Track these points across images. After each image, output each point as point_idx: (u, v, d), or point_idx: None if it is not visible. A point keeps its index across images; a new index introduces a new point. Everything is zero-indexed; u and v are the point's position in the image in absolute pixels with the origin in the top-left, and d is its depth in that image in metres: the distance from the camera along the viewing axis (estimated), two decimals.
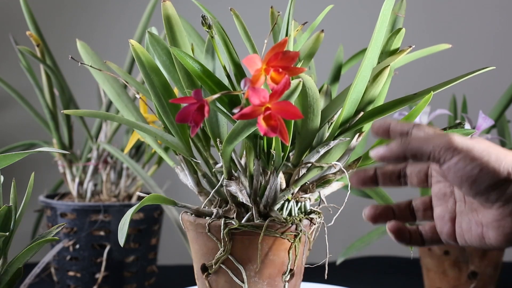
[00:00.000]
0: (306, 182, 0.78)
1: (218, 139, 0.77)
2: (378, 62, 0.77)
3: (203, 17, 0.72)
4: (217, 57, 0.77)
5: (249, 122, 0.68)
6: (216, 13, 0.80)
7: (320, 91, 0.82)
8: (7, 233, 0.73)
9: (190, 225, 0.78)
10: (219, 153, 0.75)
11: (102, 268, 1.14)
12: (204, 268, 0.78)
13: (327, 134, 0.79)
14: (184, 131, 0.78)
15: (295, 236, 0.76)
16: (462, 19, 1.57)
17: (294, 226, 0.76)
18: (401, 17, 0.80)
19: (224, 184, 0.77)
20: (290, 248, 0.76)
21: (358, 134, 0.78)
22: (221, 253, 0.75)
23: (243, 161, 0.78)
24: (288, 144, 0.67)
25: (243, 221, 0.76)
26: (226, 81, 0.75)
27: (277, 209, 0.77)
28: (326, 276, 0.80)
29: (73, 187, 1.20)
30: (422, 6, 1.56)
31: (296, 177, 0.78)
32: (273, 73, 0.63)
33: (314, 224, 0.78)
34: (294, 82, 0.66)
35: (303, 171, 0.78)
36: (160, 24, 0.81)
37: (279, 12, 0.82)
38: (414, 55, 0.83)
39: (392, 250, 1.54)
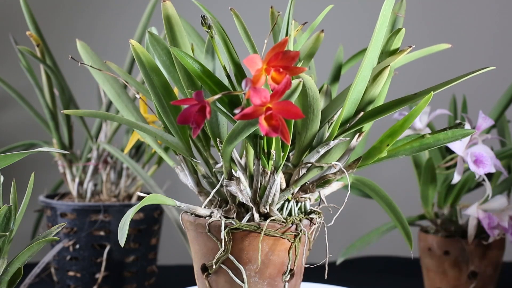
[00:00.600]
0: (306, 182, 0.78)
1: (218, 139, 0.77)
2: (378, 62, 0.77)
3: (203, 17, 0.72)
4: (217, 57, 0.77)
5: (249, 122, 0.68)
6: (216, 13, 0.80)
7: (320, 91, 0.82)
8: (7, 233, 0.73)
9: (190, 225, 0.78)
10: (219, 153, 0.75)
11: (102, 268, 1.14)
12: (204, 268, 0.78)
13: (327, 134, 0.79)
14: (184, 131, 0.78)
15: (295, 236, 0.76)
16: (462, 19, 1.57)
17: (294, 226, 0.76)
18: (401, 17, 0.80)
19: (224, 184, 0.77)
20: (290, 248, 0.76)
21: (358, 134, 0.78)
22: (221, 253, 0.75)
23: (243, 161, 0.78)
24: (289, 144, 0.67)
25: (243, 221, 0.76)
26: (226, 81, 0.75)
27: (277, 209, 0.77)
28: (326, 276, 0.80)
29: (73, 187, 1.20)
30: (422, 6, 1.56)
31: (296, 177, 0.78)
32: (273, 73, 0.63)
33: (314, 224, 0.78)
34: (294, 82, 0.66)
35: (303, 171, 0.78)
36: (160, 24, 0.81)
37: (279, 12, 0.82)
38: (414, 55, 0.83)
39: (392, 250, 1.54)
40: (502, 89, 1.25)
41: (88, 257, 1.15)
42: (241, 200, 0.77)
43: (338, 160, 0.79)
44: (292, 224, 0.76)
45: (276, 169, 0.74)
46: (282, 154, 0.73)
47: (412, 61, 0.84)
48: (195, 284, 0.82)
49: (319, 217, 0.79)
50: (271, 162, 0.74)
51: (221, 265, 0.76)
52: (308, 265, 0.80)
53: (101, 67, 0.89)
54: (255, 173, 0.75)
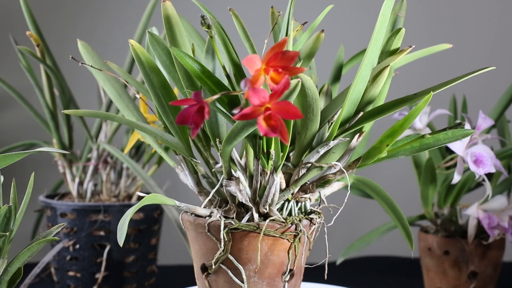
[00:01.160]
0: (306, 182, 0.78)
1: (217, 139, 0.77)
2: (378, 62, 0.77)
3: (202, 16, 0.72)
4: (217, 57, 0.77)
5: (248, 122, 0.68)
6: (216, 13, 0.80)
7: (320, 91, 0.82)
8: (7, 233, 0.73)
9: (190, 225, 0.78)
10: (219, 153, 0.75)
11: (102, 268, 1.14)
12: (204, 268, 0.78)
13: (327, 134, 0.79)
14: (184, 131, 0.78)
15: (295, 236, 0.76)
16: (462, 19, 1.57)
17: (293, 226, 0.76)
18: (401, 17, 0.80)
19: (223, 184, 0.77)
20: (289, 248, 0.76)
21: (358, 134, 0.78)
22: (221, 253, 0.75)
23: (243, 161, 0.78)
24: (288, 144, 0.67)
25: (243, 221, 0.76)
26: (226, 81, 0.75)
27: (277, 209, 0.77)
28: (326, 276, 0.80)
29: (73, 187, 1.20)
30: (422, 6, 1.56)
31: (296, 177, 0.78)
32: (272, 73, 0.63)
33: (314, 224, 0.78)
34: (293, 82, 0.66)
35: (303, 171, 0.78)
36: (160, 24, 0.81)
37: (279, 12, 0.82)
38: (414, 55, 0.83)
39: (392, 250, 1.54)
40: (502, 89, 1.25)
41: (88, 257, 1.15)
42: (240, 200, 0.77)
43: (339, 160, 0.79)
44: (291, 224, 0.76)
45: (275, 169, 0.74)
46: (281, 154, 0.73)
47: (413, 61, 0.84)
48: (195, 284, 0.82)
49: (319, 217, 0.79)
50: (270, 162, 0.74)
51: (220, 265, 0.76)
52: (308, 265, 0.80)
53: (102, 67, 0.89)
54: (254, 173, 0.75)
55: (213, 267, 0.76)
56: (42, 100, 1.17)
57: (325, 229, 0.80)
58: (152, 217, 1.18)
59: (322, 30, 0.80)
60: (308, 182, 0.78)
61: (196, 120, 0.64)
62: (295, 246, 0.76)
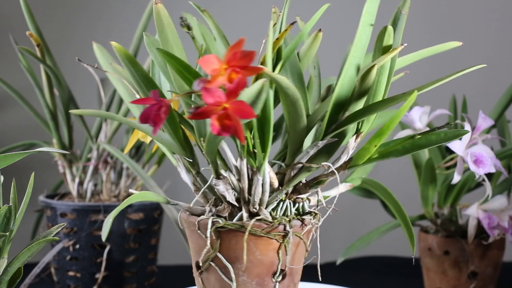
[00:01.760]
0: (300, 183, 0.78)
1: (202, 139, 0.76)
2: (372, 61, 0.77)
3: (181, 18, 0.72)
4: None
5: None
6: (215, 13, 0.80)
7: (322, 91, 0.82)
8: (7, 233, 0.73)
9: (185, 222, 0.78)
10: (203, 153, 0.75)
11: (102, 268, 1.14)
12: (198, 266, 0.78)
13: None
14: (176, 131, 0.77)
15: (284, 236, 0.75)
16: (462, 19, 1.57)
17: (282, 227, 0.75)
18: (404, 14, 0.79)
19: (213, 184, 0.77)
20: (279, 248, 0.75)
21: (356, 134, 0.78)
22: (209, 251, 0.75)
23: (235, 161, 0.78)
24: (244, 143, 0.66)
25: (234, 220, 0.76)
26: None
27: (272, 209, 0.77)
28: (320, 278, 0.80)
29: (73, 187, 1.20)
30: (422, 6, 1.56)
31: (288, 178, 0.77)
32: (230, 73, 0.63)
33: (306, 225, 0.77)
34: (258, 82, 0.65)
35: (295, 171, 0.77)
36: None
37: (280, 12, 0.82)
38: (421, 54, 0.82)
39: (392, 250, 1.54)
40: (502, 89, 1.25)
41: (88, 257, 1.15)
42: (227, 199, 0.77)
43: (336, 161, 0.78)
44: (279, 224, 0.75)
45: (258, 169, 0.74)
46: (262, 154, 0.73)
47: (418, 61, 0.84)
48: (195, 284, 0.82)
49: (314, 218, 0.78)
50: (254, 161, 0.74)
51: (210, 263, 0.76)
52: (305, 266, 0.80)
53: (109, 68, 0.90)
54: (241, 172, 0.75)
55: (204, 264, 0.76)
56: (42, 100, 1.17)
57: (318, 230, 0.79)
58: (152, 217, 1.18)
59: (320, 29, 0.80)
60: (302, 183, 0.78)
61: (155, 119, 0.64)
62: (285, 246, 0.76)
